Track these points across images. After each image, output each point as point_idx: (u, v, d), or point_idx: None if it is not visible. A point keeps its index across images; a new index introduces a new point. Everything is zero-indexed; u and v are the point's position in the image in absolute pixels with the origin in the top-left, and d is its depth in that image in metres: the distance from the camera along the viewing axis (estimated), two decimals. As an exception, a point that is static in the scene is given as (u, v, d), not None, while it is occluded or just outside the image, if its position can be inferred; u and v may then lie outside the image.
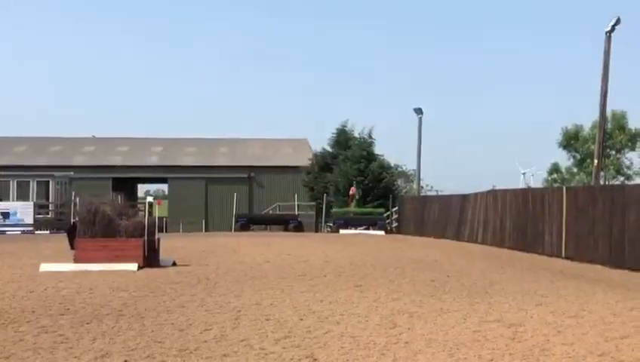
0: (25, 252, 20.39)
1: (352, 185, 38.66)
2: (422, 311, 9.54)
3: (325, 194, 42.00)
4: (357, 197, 38.54)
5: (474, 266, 16.12)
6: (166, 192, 55.37)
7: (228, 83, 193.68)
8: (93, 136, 56.36)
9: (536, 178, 65.72)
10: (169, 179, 49.35)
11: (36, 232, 35.10)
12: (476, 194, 27.52)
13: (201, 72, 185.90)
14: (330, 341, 7.54)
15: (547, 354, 6.92)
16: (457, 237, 27.91)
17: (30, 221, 36.39)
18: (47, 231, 35.07)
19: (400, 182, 56.58)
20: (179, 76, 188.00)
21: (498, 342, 7.52)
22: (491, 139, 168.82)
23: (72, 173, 42.62)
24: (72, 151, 51.04)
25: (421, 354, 6.94)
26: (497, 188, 29.08)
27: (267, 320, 8.86)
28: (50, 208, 39.01)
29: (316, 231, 41.37)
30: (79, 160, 49.15)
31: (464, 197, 29.08)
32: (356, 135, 45.05)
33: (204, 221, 46.53)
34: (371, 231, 35.00)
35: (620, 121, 49.42)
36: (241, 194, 46.84)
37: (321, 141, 73.40)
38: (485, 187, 28.51)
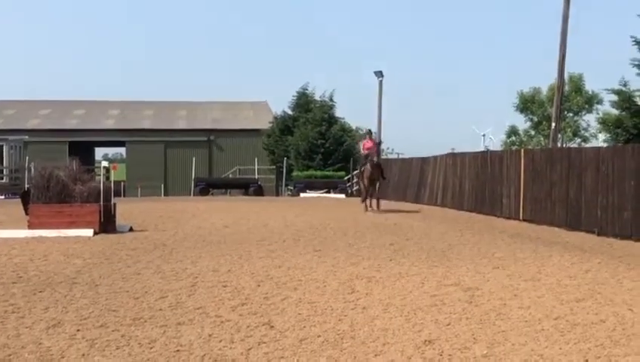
0: (-23, 218, 19.93)
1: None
2: (380, 275, 9.53)
3: (286, 158, 41.87)
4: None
5: (433, 229, 16.21)
6: (124, 156, 54.63)
7: (189, 44, 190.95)
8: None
9: (495, 142, 66.34)
10: (127, 143, 48.77)
11: (-10, 198, 34.39)
12: (435, 158, 27.63)
13: (160, 33, 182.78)
14: (288, 307, 7.49)
15: (503, 318, 6.96)
16: (417, 200, 28.06)
17: (-16, 186, 35.63)
18: (2, 197, 34.37)
19: (360, 145, 56.63)
20: (139, 36, 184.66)
21: (455, 306, 7.54)
22: (452, 103, 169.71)
23: (26, 136, 41.72)
24: (27, 115, 50.00)
25: (378, 319, 6.92)
26: (456, 151, 29.25)
27: (224, 286, 8.76)
28: (4, 173, 38.17)
29: (277, 195, 41.32)
30: (34, 123, 48.19)
31: (424, 160, 29.19)
32: (317, 98, 44.89)
33: (162, 185, 46.15)
34: (332, 195, 35.05)
35: (577, 84, 49.98)
36: (200, 158, 46.53)
37: (281, 104, 72.89)
38: (447, 151, 28.57)
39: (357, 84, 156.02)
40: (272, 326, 6.60)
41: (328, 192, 35.91)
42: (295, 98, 45.68)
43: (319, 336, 6.22)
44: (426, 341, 6.06)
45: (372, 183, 21.86)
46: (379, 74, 38.77)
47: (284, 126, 44.55)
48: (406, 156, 41.33)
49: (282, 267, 10.33)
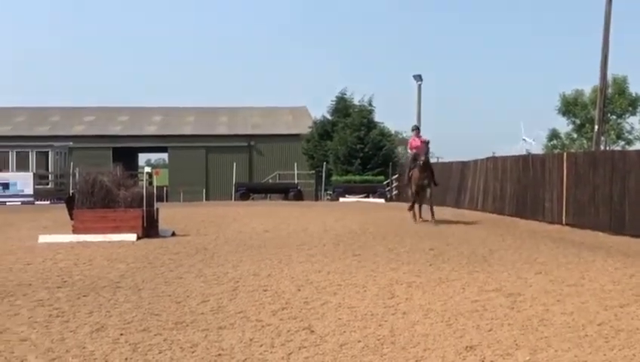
0: (24, 223, 20.37)
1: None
2: (420, 280, 9.49)
3: (325, 163, 41.92)
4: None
5: (474, 234, 16.08)
6: (167, 161, 55.27)
7: (230, 51, 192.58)
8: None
9: (537, 143, 65.47)
10: (169, 149, 49.32)
11: (36, 203, 35.06)
12: (476, 161, 27.40)
13: (201, 40, 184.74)
14: (328, 312, 7.51)
15: (546, 324, 6.88)
16: (457, 204, 27.85)
17: (30, 191, 36.30)
18: (48, 202, 35.00)
19: (400, 149, 56.38)
20: (179, 45, 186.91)
21: (497, 311, 7.47)
22: (490, 105, 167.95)
23: (71, 143, 42.48)
24: (72, 121, 50.93)
25: (419, 324, 6.90)
26: (497, 154, 28.97)
27: (265, 291, 8.82)
28: (49, 178, 38.90)
29: (316, 199, 41.37)
30: (79, 129, 49.06)
31: (464, 164, 28.96)
32: (356, 103, 44.86)
33: (204, 190, 46.54)
34: (371, 200, 34.98)
35: (621, 86, 49.17)
36: (240, 163, 46.80)
37: (320, 109, 73.02)
38: (485, 153, 28.38)
39: (396, 87, 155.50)
40: (313, 331, 6.63)
41: (367, 197, 35.84)
42: (334, 103, 45.72)
43: (359, 341, 6.22)
44: (467, 347, 6.02)
45: (422, 189, 19.13)
46: (418, 78, 38.67)
47: (323, 131, 44.60)
48: (446, 160, 41.07)
49: (322, 271, 10.35)
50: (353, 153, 40.68)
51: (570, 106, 50.75)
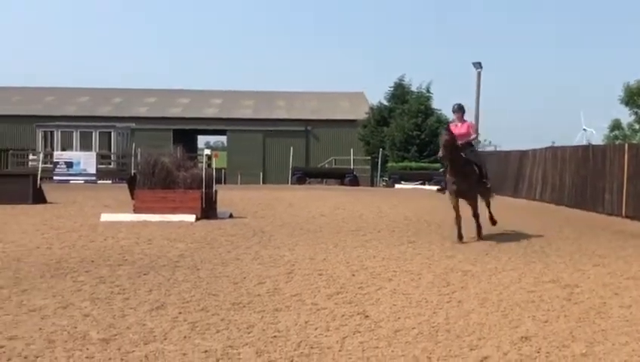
0: (87, 201, 20.94)
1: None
2: (476, 269, 9.46)
3: (381, 149, 41.82)
4: None
5: (531, 224, 15.87)
6: (225, 144, 55.87)
7: (286, 35, 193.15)
8: None
9: (595, 135, 63.94)
10: (228, 132, 49.80)
11: (99, 182, 35.94)
12: (535, 151, 26.98)
13: (259, 25, 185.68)
14: (382, 298, 7.55)
15: (603, 317, 6.80)
16: (515, 193, 27.49)
17: (93, 171, 37.22)
18: (110, 181, 35.84)
19: (458, 137, 55.83)
20: (238, 28, 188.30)
21: (553, 303, 7.41)
22: (550, 94, 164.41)
23: (133, 124, 43.33)
24: (134, 103, 51.88)
25: (474, 313, 6.89)
26: (556, 144, 28.46)
27: (320, 275, 8.91)
28: (112, 158, 39.80)
29: (371, 185, 41.33)
30: (140, 111, 49.95)
31: (522, 153, 28.54)
32: (414, 89, 44.56)
33: (261, 173, 46.92)
34: (427, 187, 34.79)
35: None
36: (297, 148, 47.00)
37: (378, 95, 72.65)
38: (544, 143, 27.87)
39: (455, 75, 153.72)
40: (367, 316, 6.69)
41: (423, 184, 35.65)
42: (392, 89, 45.51)
43: (414, 328, 6.26)
44: (522, 337, 6.00)
45: (463, 197, 12.88)
46: (477, 65, 38.13)
47: (380, 117, 44.47)
48: (504, 149, 40.50)
49: (377, 257, 10.40)
50: (410, 140, 40.49)
51: (633, 97, 49.32)
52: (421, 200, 23.72)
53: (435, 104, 43.69)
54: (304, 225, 14.80)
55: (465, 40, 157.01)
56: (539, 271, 9.42)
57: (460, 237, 12.40)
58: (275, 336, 5.94)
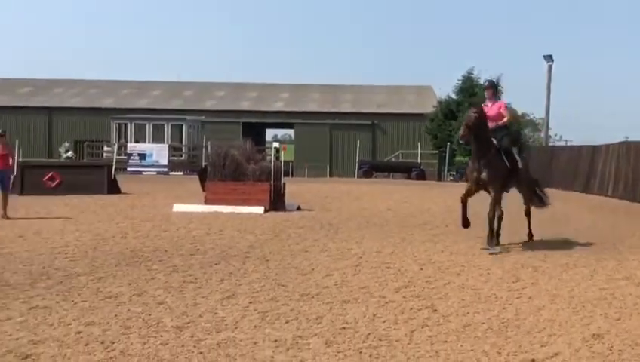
0: (159, 192, 21.46)
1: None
2: (546, 265, 9.32)
3: (449, 143, 41.41)
4: None
5: (603, 221, 15.52)
6: (292, 137, 56.27)
7: (355, 29, 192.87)
8: None
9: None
10: (295, 125, 50.12)
11: (170, 173, 36.69)
12: (608, 146, 26.32)
13: (327, 18, 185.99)
14: (451, 292, 7.54)
15: (679, 317, 6.63)
16: (586, 189, 26.88)
17: (165, 162, 38.02)
18: (181, 173, 36.52)
19: (527, 131, 54.80)
20: (307, 21, 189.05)
21: (626, 300, 7.26)
22: (623, 88, 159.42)
23: (203, 117, 44.06)
24: (204, 96, 52.75)
25: (544, 309, 6.81)
26: (630, 139, 27.66)
27: (387, 268, 8.94)
28: (183, 150, 40.56)
29: (439, 180, 40.97)
30: (210, 104, 50.75)
31: (594, 149, 27.87)
32: (482, 82, 43.92)
33: (328, 166, 47.06)
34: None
35: None
36: (364, 141, 46.95)
37: (446, 88, 71.90)
38: (617, 138, 27.15)
39: (526, 68, 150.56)
40: (436, 310, 6.69)
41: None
42: (460, 82, 44.99)
43: (483, 323, 6.23)
44: (594, 335, 5.90)
45: (485, 189, 11.10)
46: (548, 58, 37.38)
47: (448, 110, 44.01)
48: (575, 143, 39.61)
49: (445, 252, 10.36)
50: (479, 134, 39.95)
51: None
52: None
53: (505, 97, 42.89)
54: (371, 218, 14.84)
55: (536, 32, 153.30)
56: (611, 268, 9.22)
57: (489, 240, 10.61)
58: (343, 328, 6.01)
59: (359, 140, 45.28)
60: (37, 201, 17.36)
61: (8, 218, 13.85)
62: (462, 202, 11.05)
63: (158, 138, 39.65)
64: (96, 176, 21.15)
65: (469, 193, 11.04)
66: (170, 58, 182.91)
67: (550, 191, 20.54)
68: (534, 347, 5.56)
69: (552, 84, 37.49)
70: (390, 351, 5.36)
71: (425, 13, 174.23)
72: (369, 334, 5.82)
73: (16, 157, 18.64)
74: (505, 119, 11.24)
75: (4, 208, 14.07)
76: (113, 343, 5.43)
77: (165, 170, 37.47)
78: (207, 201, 16.04)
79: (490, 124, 10.79)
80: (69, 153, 39.35)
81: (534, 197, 12.11)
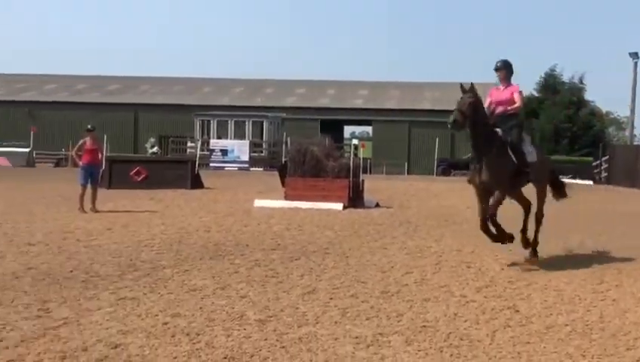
0: (241, 187, 21.85)
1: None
2: (632, 267, 9.06)
3: (531, 141, 40.60)
4: None
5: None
6: (370, 134, 56.21)
7: (433, 26, 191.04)
8: None
9: None
10: (373, 122, 50.05)
11: (251, 169, 37.25)
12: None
13: (406, 16, 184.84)
14: (533, 293, 7.44)
15: None
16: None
17: (246, 158, 38.68)
18: (261, 169, 37.02)
19: (611, 130, 53.17)
20: (383, 18, 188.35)
21: None
22: None
23: (283, 113, 44.51)
24: (284, 93, 53.27)
25: (630, 312, 6.65)
26: None
27: (468, 267, 8.89)
28: (263, 147, 41.09)
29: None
30: (290, 101, 51.21)
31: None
32: (565, 80, 42.90)
33: (406, 164, 46.80)
34: (578, 181, 33.44)
35: None
36: (443, 139, 46.44)
37: (528, 85, 70.43)
38: None
39: (611, 65, 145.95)
40: (518, 311, 6.62)
41: (574, 178, 34.29)
42: (542, 79, 44.02)
43: (566, 325, 6.13)
44: (683, 340, 5.74)
45: (489, 191, 9.42)
46: (634, 55, 36.19)
47: (530, 108, 43.16)
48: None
49: (526, 252, 10.16)
50: (561, 132, 39.05)
51: None
52: (574, 195, 22.80)
53: (589, 95, 41.81)
54: (450, 216, 14.72)
55: (622, 29, 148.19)
56: (703, 272, 8.89)
57: (490, 235, 9.31)
58: (424, 326, 6.02)
59: (438, 138, 44.84)
60: (124, 195, 17.96)
61: (97, 211, 14.37)
62: (482, 229, 9.21)
63: (239, 134, 40.31)
64: (181, 171, 21.69)
65: (480, 203, 9.39)
66: (250, 59, 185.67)
67: (636, 191, 19.79)
68: (619, 350, 5.45)
69: (637, 82, 36.22)
70: (471, 351, 5.35)
71: (504, 11, 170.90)
72: (450, 333, 5.82)
73: (104, 152, 19.32)
74: (516, 104, 9.50)
75: (94, 202, 14.60)
76: (198, 335, 5.60)
77: (246, 165, 38.10)
78: (286, 197, 16.25)
79: (499, 109, 9.38)
80: (155, 148, 40.51)
81: (553, 189, 10.76)
